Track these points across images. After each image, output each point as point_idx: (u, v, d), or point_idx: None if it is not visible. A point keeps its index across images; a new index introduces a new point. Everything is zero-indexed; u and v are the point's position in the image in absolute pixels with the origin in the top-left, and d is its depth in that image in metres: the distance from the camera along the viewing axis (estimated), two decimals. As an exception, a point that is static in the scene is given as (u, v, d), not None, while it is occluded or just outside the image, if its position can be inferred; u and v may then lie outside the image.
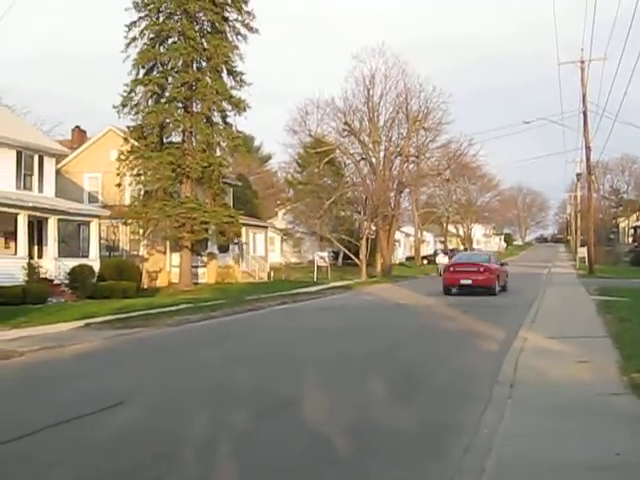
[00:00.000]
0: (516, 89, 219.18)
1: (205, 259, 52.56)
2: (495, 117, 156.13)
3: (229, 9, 49.09)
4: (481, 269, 40.83)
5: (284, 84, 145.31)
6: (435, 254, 67.68)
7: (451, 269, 42.28)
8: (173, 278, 49.76)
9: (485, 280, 39.89)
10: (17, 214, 36.67)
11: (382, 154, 70.90)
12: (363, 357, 17.60)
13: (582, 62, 61.01)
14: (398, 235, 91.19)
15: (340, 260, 79.47)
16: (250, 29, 49.45)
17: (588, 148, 63.09)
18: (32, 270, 36.26)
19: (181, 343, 21.62)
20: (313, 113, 74.02)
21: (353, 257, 68.17)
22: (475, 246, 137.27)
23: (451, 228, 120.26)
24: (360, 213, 71.06)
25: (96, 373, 16.29)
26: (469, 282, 39.93)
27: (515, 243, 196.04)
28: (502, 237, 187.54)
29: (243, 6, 49.19)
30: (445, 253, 66.88)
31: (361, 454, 9.14)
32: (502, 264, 47.25)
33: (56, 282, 37.43)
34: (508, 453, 8.59)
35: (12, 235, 37.88)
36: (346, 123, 70.33)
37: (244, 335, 24.02)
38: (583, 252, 75.90)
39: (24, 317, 27.59)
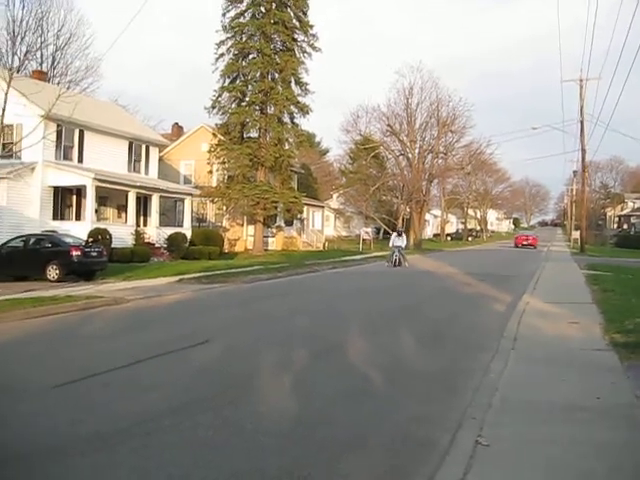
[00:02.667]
0: (528, 100, 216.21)
1: (274, 231, 52.75)
2: (509, 123, 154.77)
3: (297, 32, 49.60)
4: (530, 238, 77.25)
5: (339, 92, 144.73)
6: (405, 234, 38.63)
7: (519, 238, 78.10)
8: (248, 245, 50.11)
9: (533, 242, 74.37)
10: (128, 191, 37.17)
11: (417, 151, 70.87)
12: (396, 312, 17.63)
13: (581, 80, 60.05)
14: (428, 216, 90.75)
15: (381, 235, 79.16)
16: (314, 48, 49.94)
17: (583, 150, 62.18)
18: (139, 236, 36.73)
19: (254, 296, 21.77)
20: (362, 117, 74.58)
21: (392, 233, 67.99)
22: (489, 227, 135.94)
23: (470, 212, 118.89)
24: (398, 198, 71.01)
25: (186, 317, 16.51)
26: (527, 242, 74.28)
27: (522, 226, 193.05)
28: (511, 220, 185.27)
29: (309, 29, 49.72)
30: (399, 234, 38.50)
31: (391, 389, 9.20)
32: (537, 236, 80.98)
33: (157, 246, 37.87)
34: (510, 393, 8.60)
35: (124, 208, 38.41)
36: (389, 125, 70.58)
37: (303, 292, 24.09)
38: (576, 235, 75.18)
39: (132, 272, 28.01)
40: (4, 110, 18.34)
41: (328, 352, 11.85)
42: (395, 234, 38.49)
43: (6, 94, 18.40)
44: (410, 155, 70.43)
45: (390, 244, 38.24)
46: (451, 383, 9.59)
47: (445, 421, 7.66)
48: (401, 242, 37.70)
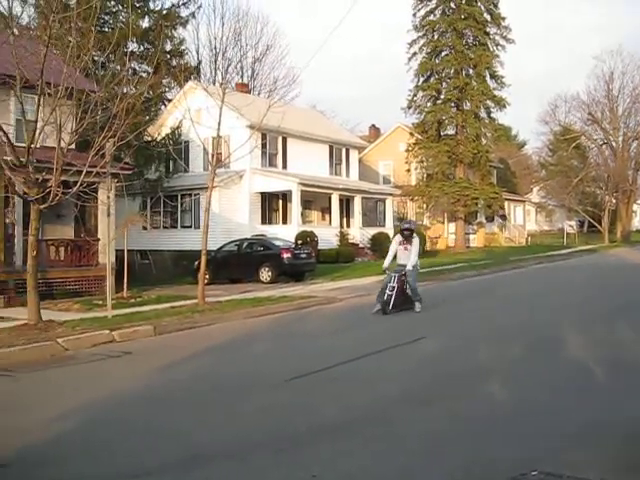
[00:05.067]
0: None
1: (475, 227, 52.31)
2: None
3: (489, 25, 49.35)
4: None
5: (534, 82, 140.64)
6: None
7: None
8: (450, 242, 50.04)
9: None
10: (331, 194, 38.15)
11: (621, 139, 67.58)
12: (609, 306, 17.00)
13: None
14: (635, 207, 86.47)
15: (585, 228, 76.36)
16: (507, 40, 49.59)
17: None
18: (343, 237, 37.57)
19: (462, 293, 21.78)
20: (561, 106, 72.13)
21: (596, 225, 65.56)
22: None
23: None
24: (602, 189, 68.10)
25: (399, 315, 16.71)
26: None
27: None
28: None
29: (501, 22, 49.33)
30: (406, 236, 16.80)
31: (615, 382, 8.89)
32: None
33: (360, 246, 38.60)
34: None
35: (327, 210, 39.40)
36: (589, 113, 67.89)
37: (511, 286, 23.76)
38: None
39: (338, 272, 28.74)
40: (219, 124, 19.40)
41: (544, 346, 11.64)
42: (398, 237, 17.35)
43: (220, 109, 19.48)
44: (614, 143, 67.44)
45: (386, 261, 17.10)
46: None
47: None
48: (406, 258, 16.70)
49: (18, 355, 11.83)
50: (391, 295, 16.05)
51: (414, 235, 17.02)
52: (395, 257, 17.02)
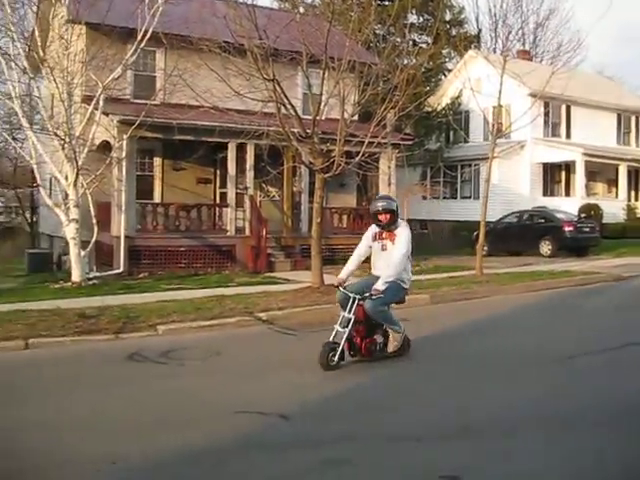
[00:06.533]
0: None
1: None
2: None
3: None
4: None
5: None
6: None
7: None
8: None
9: None
10: (618, 165, 36.14)
11: None
12: None
13: None
14: None
15: None
16: None
17: None
18: (630, 210, 35.49)
19: None
20: None
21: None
22: None
23: None
24: None
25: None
26: None
27: None
28: None
29: None
30: (384, 219, 8.85)
31: None
32: None
33: (652, 221, 36.28)
34: None
35: (614, 182, 37.35)
36: None
37: None
38: None
39: (624, 248, 27.26)
40: (500, 93, 19.11)
41: None
42: (372, 228, 9.18)
43: (501, 77, 19.18)
44: None
45: (343, 271, 9.48)
46: None
47: None
48: (384, 264, 8.88)
49: (301, 315, 12.50)
50: (343, 333, 8.72)
51: (398, 221, 9.07)
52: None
